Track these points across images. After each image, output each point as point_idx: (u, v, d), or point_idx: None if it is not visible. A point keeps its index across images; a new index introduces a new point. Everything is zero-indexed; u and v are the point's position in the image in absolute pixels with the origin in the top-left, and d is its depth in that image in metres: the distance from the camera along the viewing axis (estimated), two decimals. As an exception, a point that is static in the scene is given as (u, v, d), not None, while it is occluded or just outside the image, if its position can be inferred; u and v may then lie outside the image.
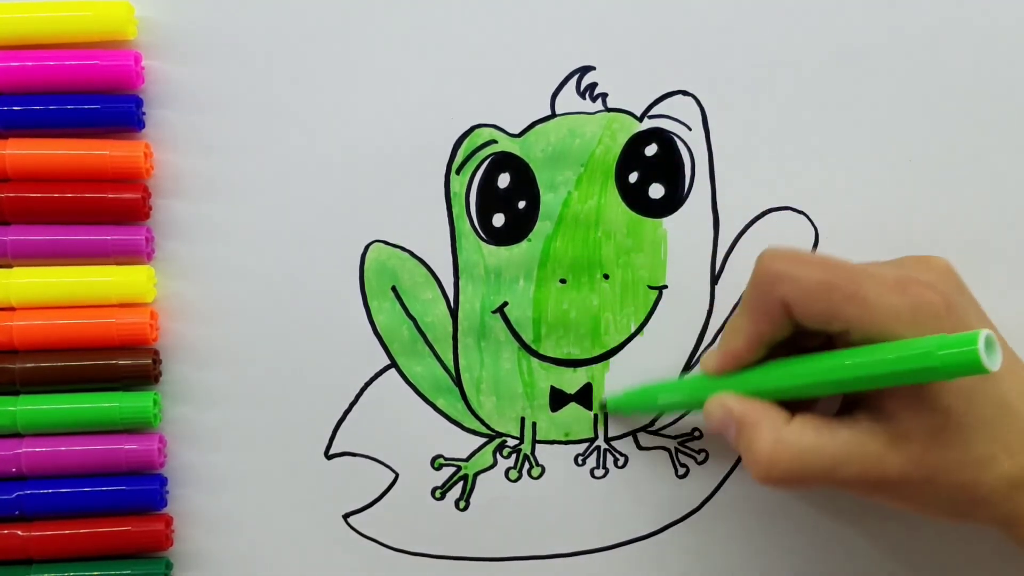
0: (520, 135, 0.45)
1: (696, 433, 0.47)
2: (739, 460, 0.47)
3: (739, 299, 0.46)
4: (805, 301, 0.39)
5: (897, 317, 0.37)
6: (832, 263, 0.39)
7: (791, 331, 0.40)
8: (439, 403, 0.46)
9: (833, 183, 0.46)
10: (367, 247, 0.45)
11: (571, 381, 0.46)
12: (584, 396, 0.46)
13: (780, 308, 0.39)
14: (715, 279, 0.46)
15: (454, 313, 0.46)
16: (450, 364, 0.46)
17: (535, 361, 0.46)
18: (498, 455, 0.47)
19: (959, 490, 0.38)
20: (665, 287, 0.46)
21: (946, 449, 0.37)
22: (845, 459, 0.38)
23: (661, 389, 0.45)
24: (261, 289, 0.45)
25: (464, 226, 0.45)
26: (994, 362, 0.34)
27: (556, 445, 0.47)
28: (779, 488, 0.39)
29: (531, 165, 0.45)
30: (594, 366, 0.46)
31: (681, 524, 0.47)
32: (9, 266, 0.44)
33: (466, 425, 0.46)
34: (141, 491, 0.45)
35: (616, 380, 0.46)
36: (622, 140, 0.45)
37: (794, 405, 0.40)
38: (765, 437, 0.39)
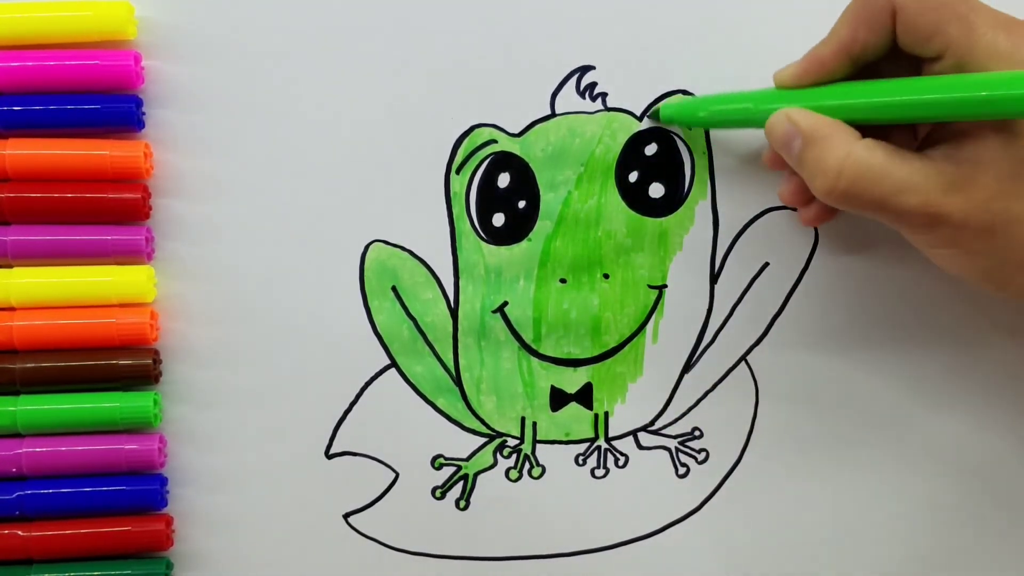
0: (520, 135, 0.45)
1: (696, 433, 0.47)
2: (738, 461, 0.47)
3: (739, 299, 0.46)
4: (916, 9, 0.38)
5: (996, 53, 0.37)
6: None
7: (884, 50, 0.39)
8: (439, 403, 0.46)
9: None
10: (367, 247, 0.45)
11: (571, 381, 0.46)
12: (584, 396, 0.46)
13: (886, 12, 0.38)
14: (715, 279, 0.46)
15: (454, 313, 0.46)
16: (450, 364, 0.46)
17: (535, 361, 0.46)
18: (498, 455, 0.47)
19: (1014, 247, 0.37)
20: (665, 287, 0.46)
21: (1011, 200, 0.37)
22: (911, 186, 0.37)
23: (722, 98, 0.43)
24: (261, 289, 0.45)
25: (464, 226, 0.45)
26: None
27: (556, 445, 0.47)
28: (839, 204, 0.37)
29: (531, 165, 0.45)
30: (594, 366, 0.46)
31: (681, 524, 0.47)
32: (9, 266, 0.44)
33: (466, 425, 0.46)
34: (141, 491, 0.45)
35: (616, 380, 0.46)
36: (622, 140, 0.45)
37: (866, 133, 0.39)
38: (836, 149, 0.37)
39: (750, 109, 0.41)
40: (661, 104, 0.45)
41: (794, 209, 0.46)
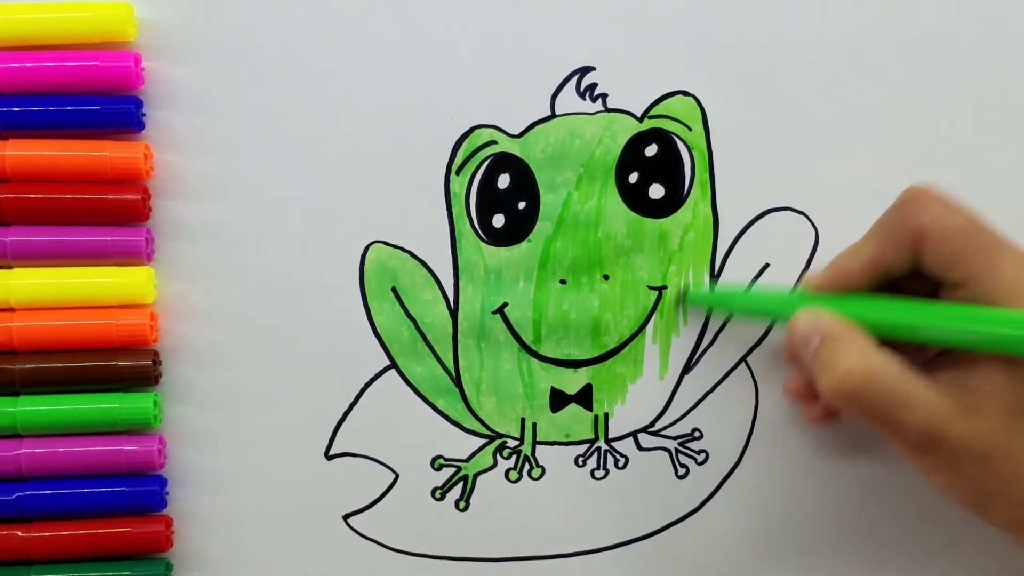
0: (520, 136, 0.45)
1: (696, 433, 0.47)
2: (739, 461, 0.47)
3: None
4: (942, 237, 0.38)
5: (1019, 290, 0.37)
6: (980, 217, 0.39)
7: (909, 270, 0.40)
8: (439, 404, 0.46)
9: (833, 183, 0.46)
10: (367, 247, 0.45)
11: (571, 382, 0.46)
12: (584, 397, 0.46)
13: (913, 236, 0.39)
14: (715, 279, 0.46)
15: (454, 314, 0.46)
16: (450, 365, 0.46)
17: (535, 362, 0.46)
18: (498, 456, 0.47)
19: (1005, 480, 0.37)
20: (665, 287, 0.46)
21: (1012, 436, 0.37)
22: (916, 404, 0.37)
23: (750, 296, 0.44)
24: (261, 290, 0.45)
25: (464, 227, 0.45)
26: None
27: (556, 446, 0.47)
28: (843, 404, 0.38)
29: (531, 166, 0.45)
30: (594, 367, 0.46)
31: (681, 524, 0.47)
32: (9, 267, 0.44)
33: (466, 426, 0.46)
34: (141, 492, 0.45)
35: (616, 381, 0.46)
36: (622, 140, 0.45)
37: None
38: (851, 350, 0.38)
39: (778, 311, 0.43)
40: (691, 289, 0.46)
41: (794, 210, 0.46)
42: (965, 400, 0.37)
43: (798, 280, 0.46)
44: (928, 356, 0.41)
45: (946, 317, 0.38)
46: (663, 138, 0.45)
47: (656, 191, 0.45)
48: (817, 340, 0.39)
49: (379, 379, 0.46)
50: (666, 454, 0.47)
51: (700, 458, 0.47)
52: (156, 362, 0.45)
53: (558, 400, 0.46)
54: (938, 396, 0.37)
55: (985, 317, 0.37)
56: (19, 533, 0.44)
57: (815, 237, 0.46)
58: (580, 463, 0.47)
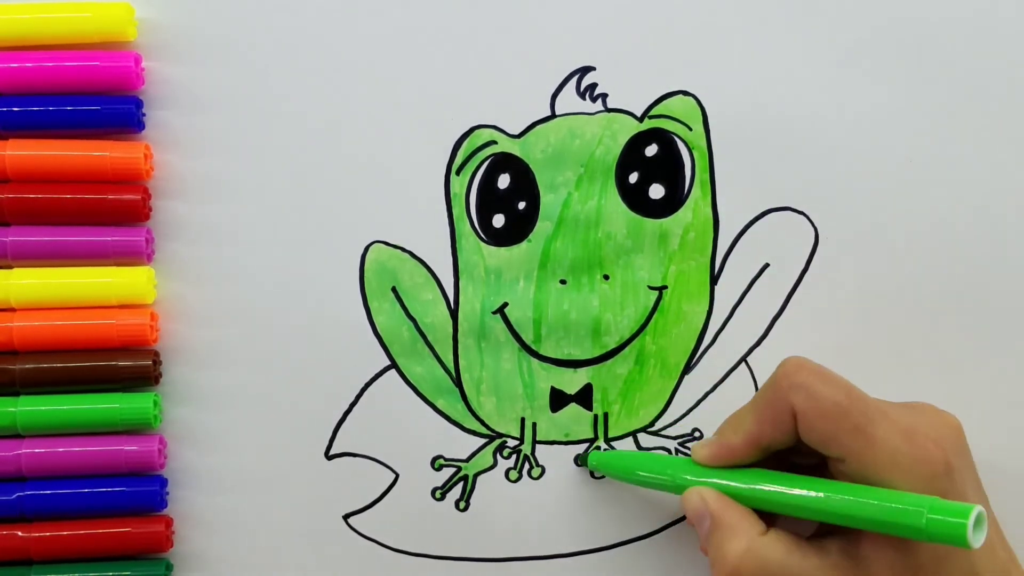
0: (520, 136, 0.45)
1: (696, 433, 0.47)
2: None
3: (739, 299, 0.46)
4: (814, 417, 0.39)
5: (896, 463, 0.37)
6: (853, 392, 0.39)
7: (791, 443, 0.40)
8: (439, 404, 0.46)
9: (833, 183, 0.46)
10: (367, 248, 0.45)
11: (571, 382, 0.46)
12: (584, 397, 0.46)
13: (788, 416, 0.39)
14: (715, 279, 0.46)
15: (454, 314, 0.46)
16: (450, 365, 0.46)
17: (535, 362, 0.46)
18: (498, 456, 0.47)
19: None
20: (665, 287, 0.46)
21: None
22: None
23: (645, 460, 0.44)
24: (261, 290, 0.45)
25: (464, 227, 0.45)
26: (978, 540, 0.34)
27: (556, 446, 0.47)
28: None
29: (531, 166, 0.45)
30: (594, 367, 0.46)
31: (681, 524, 0.47)
32: (9, 267, 0.44)
33: (466, 426, 0.46)
34: (141, 492, 0.45)
35: (615, 381, 0.46)
36: (622, 140, 0.45)
37: (771, 516, 0.40)
38: (737, 543, 0.39)
39: (669, 480, 0.43)
40: (591, 453, 0.46)
41: (794, 210, 0.46)
42: (855, 572, 0.38)
43: (798, 281, 0.46)
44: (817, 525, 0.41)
45: (829, 501, 0.38)
46: (663, 138, 0.45)
47: (656, 191, 0.45)
48: (708, 524, 0.40)
49: (379, 379, 0.46)
50: (666, 454, 0.47)
51: (700, 458, 0.47)
52: (156, 362, 0.45)
53: (558, 400, 0.46)
54: (828, 571, 0.38)
55: (867, 499, 0.37)
56: (19, 533, 0.44)
57: (815, 237, 0.46)
58: (580, 463, 0.47)
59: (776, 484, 0.40)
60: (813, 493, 0.38)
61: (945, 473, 0.38)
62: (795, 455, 0.41)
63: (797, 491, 0.39)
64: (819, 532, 0.41)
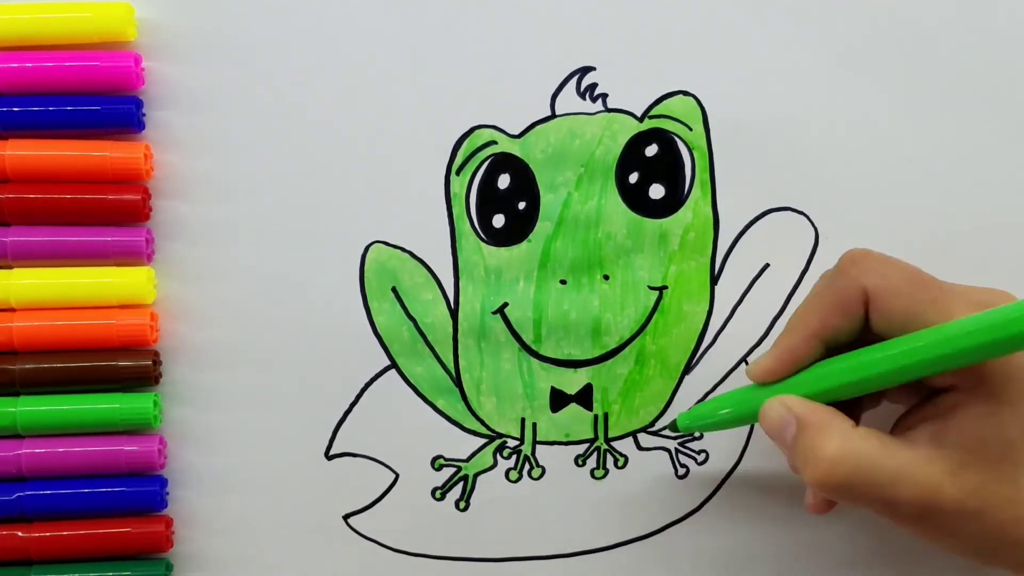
0: (520, 136, 0.45)
1: (696, 434, 0.47)
2: (738, 462, 0.47)
3: (739, 299, 0.46)
4: (890, 295, 0.38)
5: None
6: (922, 272, 0.38)
7: (854, 335, 0.39)
8: (439, 404, 0.46)
9: (833, 183, 0.46)
10: (367, 248, 0.45)
11: (571, 382, 0.46)
12: (584, 397, 0.46)
13: (859, 299, 0.38)
14: (715, 279, 0.46)
15: (454, 314, 0.46)
16: (450, 365, 0.46)
17: (535, 362, 0.46)
18: (498, 456, 0.47)
19: (1003, 528, 0.37)
20: (665, 287, 0.46)
21: (1002, 484, 0.36)
22: (906, 477, 0.36)
23: (718, 403, 0.43)
24: (261, 290, 0.45)
25: (464, 227, 0.45)
26: None
27: (556, 446, 0.47)
28: (832, 495, 0.38)
29: (531, 166, 0.45)
30: (594, 367, 0.46)
31: (681, 524, 0.47)
32: (9, 267, 0.44)
33: (466, 426, 0.46)
34: (141, 492, 0.45)
35: (616, 381, 0.46)
36: (622, 140, 0.45)
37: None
38: (830, 439, 0.37)
39: (743, 415, 0.41)
40: (679, 418, 0.44)
41: (794, 210, 0.46)
42: (949, 460, 0.37)
43: (798, 281, 0.46)
44: (902, 411, 0.41)
45: (905, 351, 0.37)
46: (663, 138, 0.45)
47: (656, 191, 0.45)
48: (793, 430, 0.38)
49: (379, 379, 0.46)
50: (666, 454, 0.47)
51: (700, 458, 0.47)
52: (156, 362, 0.45)
53: (558, 400, 0.46)
54: (924, 465, 0.37)
55: (955, 334, 0.36)
56: (19, 533, 0.44)
57: (815, 237, 0.46)
58: (580, 463, 0.47)
59: (857, 359, 0.38)
60: (903, 349, 0.37)
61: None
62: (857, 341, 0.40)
63: (873, 360, 0.38)
64: (905, 427, 0.39)
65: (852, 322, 0.39)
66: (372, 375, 0.46)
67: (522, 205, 0.45)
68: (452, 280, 0.46)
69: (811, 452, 0.37)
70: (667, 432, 0.47)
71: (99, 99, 0.43)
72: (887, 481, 0.37)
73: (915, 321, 0.37)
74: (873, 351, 0.38)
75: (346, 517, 0.47)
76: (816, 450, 0.37)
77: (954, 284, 0.39)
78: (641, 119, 0.45)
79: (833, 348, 0.40)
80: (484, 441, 0.47)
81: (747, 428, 0.47)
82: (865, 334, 0.39)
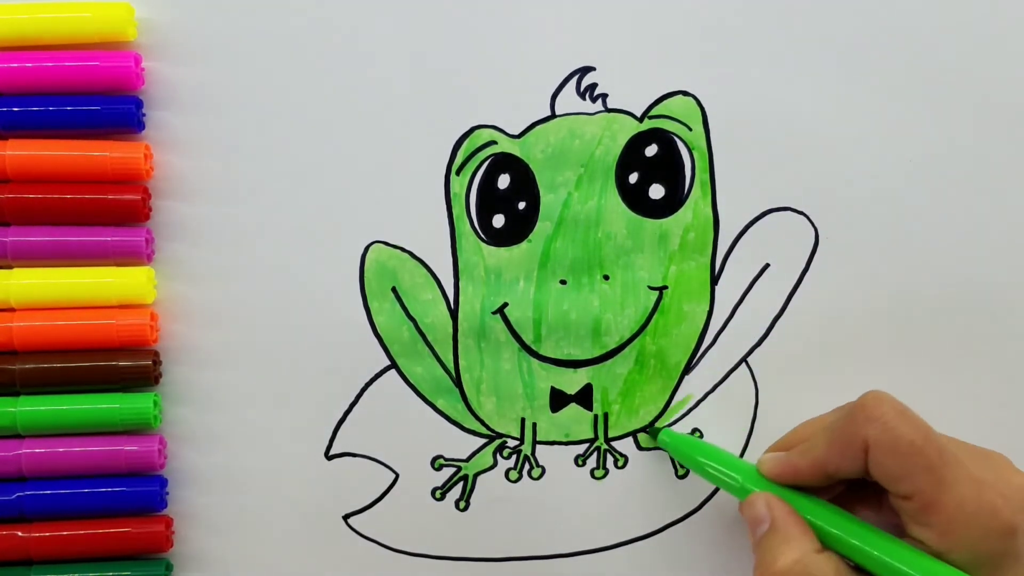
0: (520, 136, 0.45)
1: (696, 434, 0.47)
2: (739, 461, 0.47)
3: (739, 300, 0.46)
4: (886, 452, 0.38)
5: (961, 510, 0.37)
6: (930, 433, 0.39)
7: (857, 476, 0.40)
8: (439, 404, 0.46)
9: (833, 183, 0.46)
10: (367, 248, 0.45)
11: (571, 382, 0.46)
12: (584, 397, 0.46)
13: (860, 447, 0.39)
14: (715, 279, 0.46)
15: (454, 314, 0.46)
16: (450, 365, 0.46)
17: (535, 362, 0.46)
18: (498, 456, 0.47)
19: None
20: (665, 287, 0.46)
21: None
22: None
23: (713, 454, 0.44)
24: (261, 290, 0.45)
25: (464, 227, 0.45)
26: None
27: (556, 446, 0.47)
28: None
29: (531, 166, 0.45)
30: (594, 367, 0.46)
31: (681, 524, 0.47)
32: (9, 267, 0.44)
33: (466, 426, 0.46)
34: (141, 492, 0.45)
35: (616, 381, 0.46)
36: (622, 141, 0.45)
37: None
38: (790, 551, 0.39)
39: (736, 484, 0.43)
40: (664, 430, 0.46)
41: (794, 210, 0.46)
42: None
43: (798, 281, 0.46)
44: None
45: (885, 555, 0.38)
46: (663, 138, 0.45)
47: (656, 191, 0.45)
48: (765, 528, 0.40)
49: (379, 379, 0.46)
50: (666, 454, 0.47)
51: (700, 458, 0.47)
52: (156, 362, 0.45)
53: (558, 400, 0.46)
54: None
55: (921, 569, 0.37)
56: (19, 533, 0.44)
57: (815, 237, 0.46)
58: (580, 463, 0.47)
59: (843, 525, 0.40)
60: (877, 543, 0.39)
61: (1008, 532, 0.38)
62: (858, 485, 0.41)
63: (860, 537, 0.39)
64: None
65: (853, 465, 0.40)
66: (372, 375, 0.46)
67: (522, 205, 0.45)
68: (452, 280, 0.46)
69: (769, 555, 0.39)
70: (643, 436, 0.47)
71: (99, 99, 0.43)
72: None
73: (906, 481, 0.38)
74: (850, 526, 0.40)
75: (346, 517, 0.47)
76: (773, 555, 0.39)
77: (958, 449, 0.39)
78: (641, 119, 0.45)
79: (836, 480, 0.41)
80: (484, 441, 0.47)
81: (747, 428, 0.47)
82: (867, 476, 0.40)
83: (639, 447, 0.47)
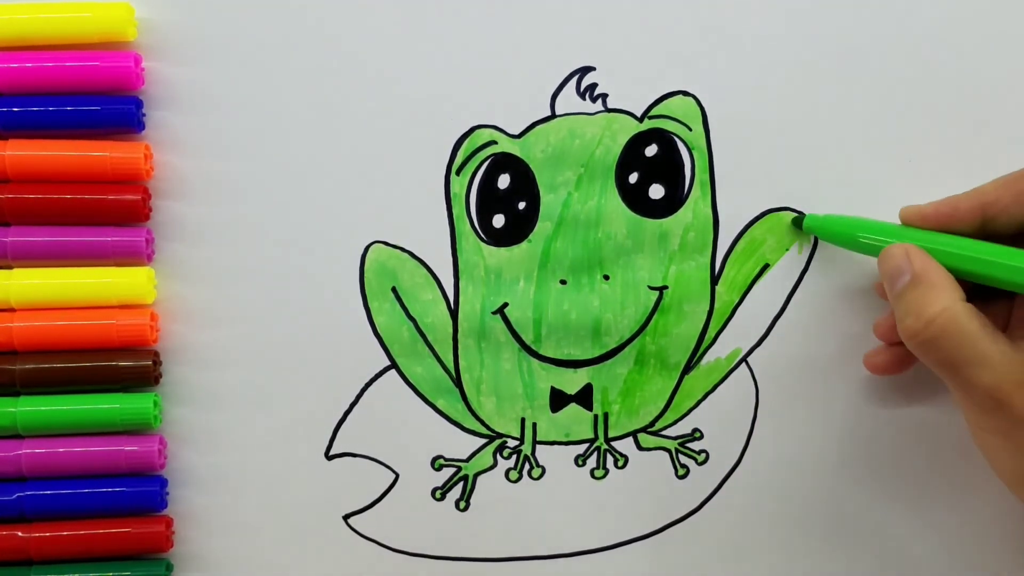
0: (520, 136, 0.45)
1: (696, 434, 0.47)
2: (738, 462, 0.47)
3: (739, 299, 0.46)
4: None
5: None
6: None
7: (1015, 229, 0.40)
8: (439, 404, 0.46)
9: (833, 183, 0.46)
10: (367, 248, 0.45)
11: (571, 382, 0.46)
12: (584, 397, 0.46)
13: None
14: (715, 279, 0.46)
15: (454, 314, 0.46)
16: (450, 365, 0.46)
17: (535, 362, 0.46)
18: (498, 456, 0.47)
19: None
20: (665, 287, 0.46)
21: None
22: (990, 362, 0.37)
23: (863, 225, 0.43)
24: (261, 290, 0.45)
25: (464, 227, 0.45)
26: None
27: (556, 446, 0.47)
28: (918, 349, 0.39)
29: (531, 166, 0.45)
30: (594, 367, 0.46)
31: (681, 524, 0.47)
32: (9, 267, 0.44)
33: (466, 426, 0.46)
34: (141, 492, 0.45)
35: (616, 381, 0.46)
36: (622, 141, 0.45)
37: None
38: (938, 298, 0.38)
39: (885, 241, 0.42)
40: (808, 215, 0.45)
41: (794, 210, 0.46)
42: None
43: (798, 281, 0.46)
44: (1011, 323, 0.41)
45: None
46: (663, 138, 0.45)
47: (656, 191, 0.45)
48: (906, 279, 0.39)
49: (379, 379, 0.46)
50: (666, 454, 0.47)
51: (700, 458, 0.47)
52: (156, 362, 0.45)
53: (558, 400, 0.46)
54: (1012, 360, 0.37)
55: None
56: (19, 533, 0.44)
57: (815, 237, 0.46)
58: (580, 463, 0.47)
59: (990, 251, 0.39)
60: None
61: None
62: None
63: (1013, 259, 0.38)
64: (1016, 334, 0.40)
65: (1020, 212, 0.39)
66: (372, 375, 0.46)
67: (522, 205, 0.45)
68: (452, 280, 0.46)
69: (916, 304, 0.38)
70: (793, 226, 0.46)
71: (99, 99, 0.43)
72: (973, 359, 0.37)
73: None
74: (1014, 256, 0.39)
75: (346, 517, 0.47)
76: (922, 304, 0.38)
77: None
78: (641, 119, 0.45)
79: (990, 231, 0.40)
80: (484, 441, 0.47)
81: (748, 428, 0.47)
82: None
83: (639, 447, 0.47)
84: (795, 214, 0.46)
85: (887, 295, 0.41)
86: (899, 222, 0.43)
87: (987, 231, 0.41)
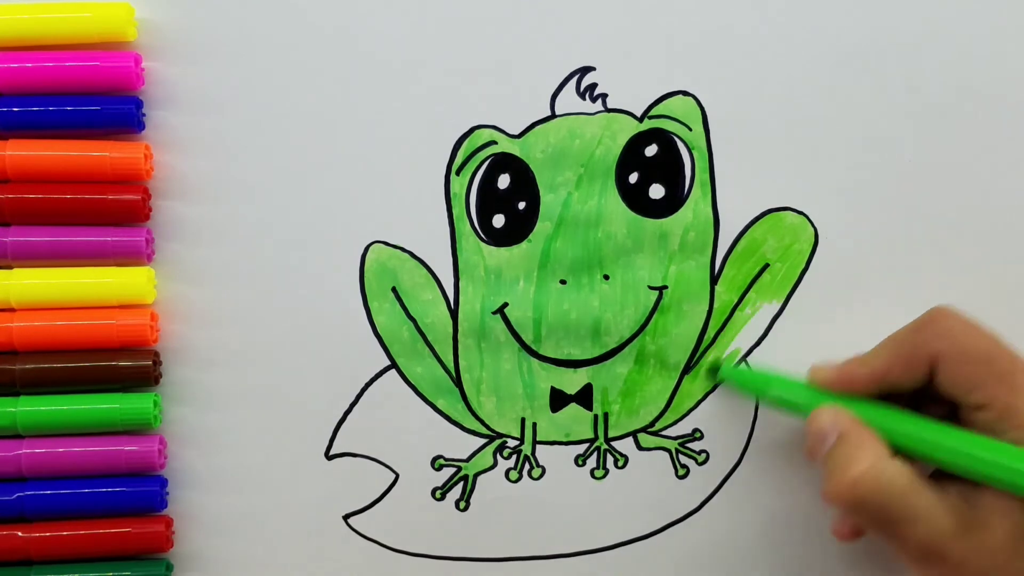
0: (520, 136, 0.45)
1: (696, 434, 0.47)
2: (738, 462, 0.47)
3: (739, 299, 0.46)
4: (959, 363, 0.39)
5: None
6: (1000, 342, 0.39)
7: (912, 388, 0.40)
8: (439, 404, 0.46)
9: (833, 183, 0.46)
10: (367, 248, 0.45)
11: (571, 382, 0.46)
12: (584, 397, 0.46)
13: (926, 361, 0.39)
14: (715, 279, 0.46)
15: (454, 314, 0.46)
16: (450, 365, 0.46)
17: (535, 362, 0.46)
18: (498, 456, 0.47)
19: None
20: (665, 287, 0.46)
21: (1016, 558, 0.37)
22: (920, 518, 0.37)
23: (776, 381, 0.44)
24: (261, 290, 0.45)
25: (464, 227, 0.45)
26: None
27: (556, 446, 0.47)
28: (844, 508, 0.39)
29: (531, 166, 0.45)
30: (594, 367, 0.46)
31: (681, 524, 0.47)
32: (9, 267, 0.44)
33: (466, 426, 0.46)
34: (141, 492, 0.45)
35: (616, 381, 0.46)
36: (622, 141, 0.45)
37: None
38: (863, 457, 0.38)
39: (796, 403, 0.43)
40: (723, 363, 0.46)
41: (794, 210, 0.46)
42: (970, 517, 0.37)
43: (798, 281, 0.46)
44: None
45: (965, 447, 0.38)
46: (663, 138, 0.45)
47: (656, 191, 0.45)
48: (833, 439, 0.40)
49: (379, 379, 0.46)
50: (666, 454, 0.47)
51: (700, 458, 0.47)
52: (156, 362, 0.45)
53: (558, 400, 0.46)
54: (943, 512, 0.37)
55: (1002, 454, 0.37)
56: (19, 533, 0.44)
57: (815, 237, 0.46)
58: (580, 463, 0.47)
59: (912, 422, 0.40)
60: (953, 437, 0.39)
61: None
62: (920, 403, 0.41)
63: (934, 433, 0.39)
64: (937, 475, 0.40)
65: (916, 377, 0.40)
66: (372, 375, 0.46)
67: (522, 205, 0.45)
68: (452, 280, 0.46)
69: (842, 463, 0.39)
70: (704, 375, 0.46)
71: (99, 99, 0.43)
72: (903, 517, 0.38)
73: (980, 391, 0.38)
74: (935, 431, 0.39)
75: (346, 517, 0.47)
76: (847, 463, 0.39)
77: None
78: (641, 119, 0.45)
79: (891, 393, 0.41)
80: (484, 441, 0.47)
81: (748, 428, 0.47)
82: (934, 390, 0.40)
83: (639, 447, 0.47)
84: (794, 215, 0.46)
85: (816, 457, 0.41)
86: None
87: (886, 393, 0.41)
